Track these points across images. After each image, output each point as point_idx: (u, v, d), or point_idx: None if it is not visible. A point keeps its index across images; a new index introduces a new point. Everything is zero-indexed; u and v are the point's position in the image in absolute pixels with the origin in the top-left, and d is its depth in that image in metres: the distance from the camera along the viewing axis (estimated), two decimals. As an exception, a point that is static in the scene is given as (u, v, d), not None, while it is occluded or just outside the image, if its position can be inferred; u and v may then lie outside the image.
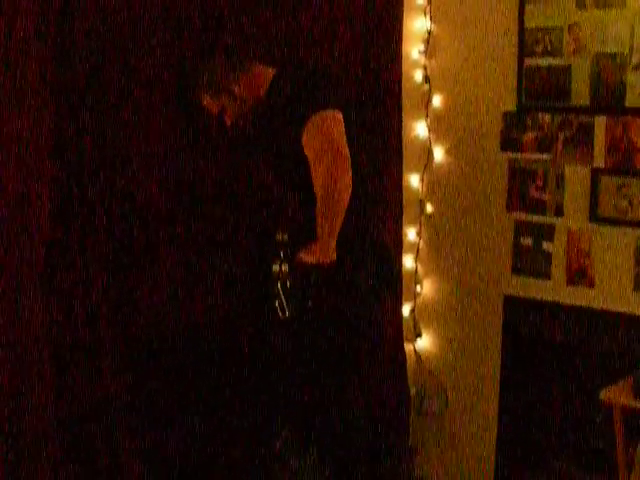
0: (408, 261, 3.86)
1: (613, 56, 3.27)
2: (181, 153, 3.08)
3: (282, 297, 2.71)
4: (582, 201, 3.40)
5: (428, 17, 3.76)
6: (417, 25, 3.79)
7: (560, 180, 3.46)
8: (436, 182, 3.82)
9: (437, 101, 3.78)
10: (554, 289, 3.49)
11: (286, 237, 2.75)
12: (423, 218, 3.85)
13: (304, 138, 2.67)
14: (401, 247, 3.81)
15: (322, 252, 2.68)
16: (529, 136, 3.53)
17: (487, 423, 3.70)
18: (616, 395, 3.02)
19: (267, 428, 3.16)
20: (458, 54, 3.71)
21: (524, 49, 3.51)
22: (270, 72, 2.90)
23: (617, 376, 3.14)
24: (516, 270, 3.60)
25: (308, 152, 2.69)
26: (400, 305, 3.79)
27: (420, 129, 3.82)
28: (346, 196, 2.65)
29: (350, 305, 2.87)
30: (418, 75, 3.81)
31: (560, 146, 3.45)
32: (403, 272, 3.80)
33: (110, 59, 2.86)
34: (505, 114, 3.59)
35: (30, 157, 2.73)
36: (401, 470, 3.58)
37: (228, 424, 3.17)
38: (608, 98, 3.30)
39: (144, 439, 2.96)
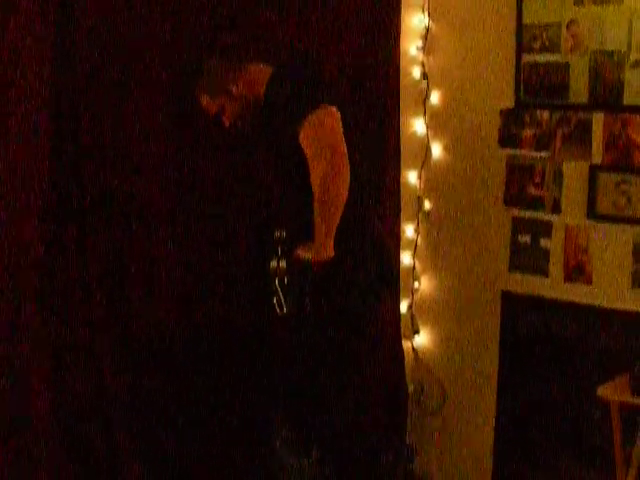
0: (406, 258, 3.86)
1: (611, 53, 3.27)
2: (179, 152, 3.07)
3: (280, 294, 2.71)
4: (580, 198, 3.40)
5: (426, 13, 3.75)
6: (415, 21, 3.78)
7: (558, 177, 3.46)
8: (434, 179, 3.82)
9: (435, 98, 3.78)
10: (552, 286, 3.49)
11: (284, 234, 2.75)
12: (421, 215, 3.85)
13: (301, 135, 2.66)
14: (399, 244, 3.81)
15: (320, 249, 2.67)
16: (527, 133, 3.53)
17: (485, 419, 3.70)
18: (614, 391, 3.02)
19: (267, 427, 3.16)
20: (456, 51, 3.70)
21: (522, 46, 3.50)
22: (267, 71, 2.89)
23: (614, 373, 3.13)
24: (514, 267, 3.60)
25: (306, 149, 2.68)
26: (398, 302, 3.79)
27: (418, 126, 3.81)
28: (344, 193, 2.65)
29: (348, 301, 2.87)
30: (416, 72, 3.80)
31: (558, 143, 3.45)
32: (401, 269, 3.80)
33: (109, 59, 2.86)
34: (503, 111, 3.58)
35: (29, 157, 2.73)
36: (400, 467, 3.59)
37: (227, 423, 3.18)
38: (606, 95, 3.30)
39: (144, 439, 2.96)
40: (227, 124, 2.90)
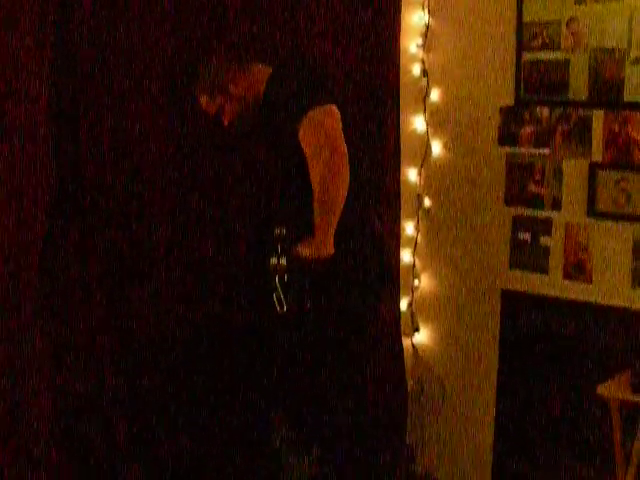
0: (406, 255, 3.87)
1: (611, 50, 3.27)
2: (179, 152, 3.07)
3: (280, 291, 2.70)
4: (580, 195, 3.40)
5: (426, 11, 3.75)
6: (415, 19, 3.78)
7: (558, 174, 3.46)
8: (434, 176, 3.82)
9: (435, 95, 3.78)
10: (552, 283, 3.50)
11: (284, 231, 2.74)
12: (421, 212, 3.85)
13: (301, 133, 2.66)
14: (399, 241, 3.81)
15: (320, 246, 2.67)
16: (527, 130, 3.52)
17: (485, 417, 3.71)
18: (614, 389, 3.03)
19: (267, 427, 3.17)
20: (456, 48, 3.70)
21: (522, 43, 3.50)
22: (267, 71, 2.88)
23: (614, 370, 3.15)
24: (514, 264, 3.61)
25: (305, 147, 2.68)
26: (398, 300, 3.79)
27: (418, 123, 3.81)
28: (343, 191, 2.64)
29: (348, 300, 2.87)
30: (416, 69, 3.80)
31: (558, 140, 3.45)
32: (401, 266, 3.81)
33: (109, 59, 2.85)
34: (503, 108, 3.58)
35: (29, 157, 2.72)
36: (400, 467, 3.59)
37: (227, 423, 3.18)
38: (606, 92, 3.30)
39: (144, 439, 2.96)
40: (226, 124, 2.89)
